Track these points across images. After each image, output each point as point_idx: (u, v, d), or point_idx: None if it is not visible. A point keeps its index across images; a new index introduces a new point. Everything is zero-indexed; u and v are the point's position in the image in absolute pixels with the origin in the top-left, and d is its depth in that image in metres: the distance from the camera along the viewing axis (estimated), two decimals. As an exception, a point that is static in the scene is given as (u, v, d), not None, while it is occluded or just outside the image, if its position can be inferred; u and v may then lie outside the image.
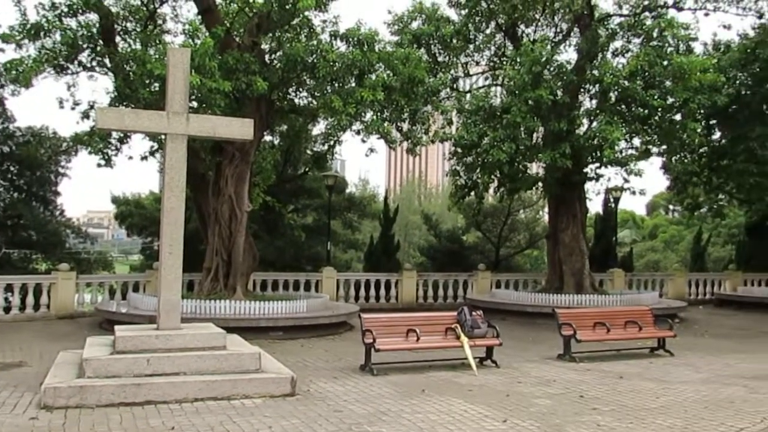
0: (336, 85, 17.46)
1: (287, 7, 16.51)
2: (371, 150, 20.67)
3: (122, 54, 17.55)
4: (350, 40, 17.56)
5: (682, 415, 8.91)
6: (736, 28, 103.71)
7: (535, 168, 24.89)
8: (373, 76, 17.38)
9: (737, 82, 24.13)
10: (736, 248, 35.88)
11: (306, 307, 17.52)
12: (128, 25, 19.49)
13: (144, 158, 20.09)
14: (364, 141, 19.71)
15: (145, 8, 19.41)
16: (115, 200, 34.82)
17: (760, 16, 23.44)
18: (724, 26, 24.26)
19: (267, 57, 18.24)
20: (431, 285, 24.66)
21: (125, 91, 16.91)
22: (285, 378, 9.77)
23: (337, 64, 16.69)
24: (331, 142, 22.67)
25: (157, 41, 18.66)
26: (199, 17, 18.03)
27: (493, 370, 12.20)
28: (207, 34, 16.69)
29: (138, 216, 33.19)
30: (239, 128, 10.92)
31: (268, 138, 22.90)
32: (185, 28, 19.20)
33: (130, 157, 19.86)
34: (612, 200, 30.52)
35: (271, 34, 18.05)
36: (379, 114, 18.60)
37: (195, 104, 16.61)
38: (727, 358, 14.04)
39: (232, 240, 17.85)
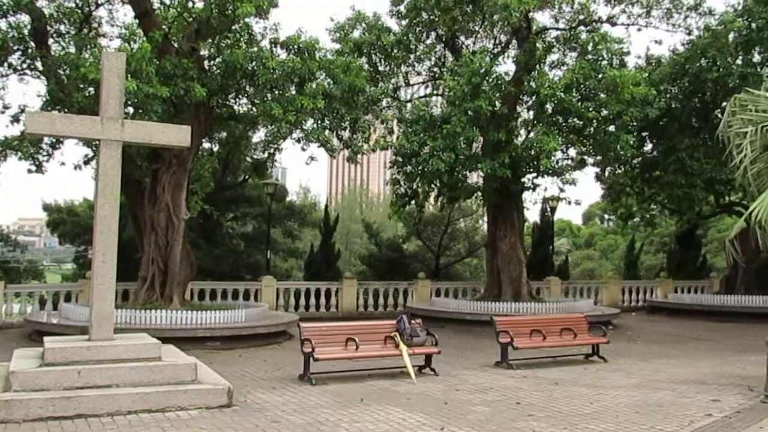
0: (276, 92, 17.35)
1: (227, 13, 16.38)
2: (312, 158, 20.62)
3: (55, 57, 17.09)
4: (290, 47, 17.53)
5: (614, 419, 9.11)
6: (667, 43, 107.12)
7: (475, 177, 25.20)
8: (314, 84, 17.37)
9: (668, 95, 24.94)
10: (667, 256, 37.05)
11: (244, 316, 17.33)
12: (62, 27, 19.01)
13: (77, 167, 19.56)
14: (304, 149, 19.65)
15: (79, 11, 18.95)
16: (47, 207, 33.85)
17: (689, 33, 24.31)
18: (656, 41, 25.30)
19: (206, 63, 18.02)
20: (371, 293, 24.68)
21: (58, 95, 16.49)
22: (221, 389, 9.62)
23: (277, 71, 16.59)
24: (271, 150, 22.52)
25: (92, 45, 18.23)
26: (136, 21, 17.69)
27: (431, 378, 12.26)
28: (144, 38, 16.40)
29: (71, 224, 32.35)
30: (176, 135, 10.74)
31: (206, 145, 22.59)
32: (122, 32, 18.88)
33: (62, 164, 19.39)
34: (549, 210, 31.14)
35: (210, 40, 17.86)
36: (319, 122, 18.57)
37: (131, 110, 16.29)
38: (658, 363, 14.45)
39: (168, 248, 17.53)
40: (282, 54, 17.73)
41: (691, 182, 24.75)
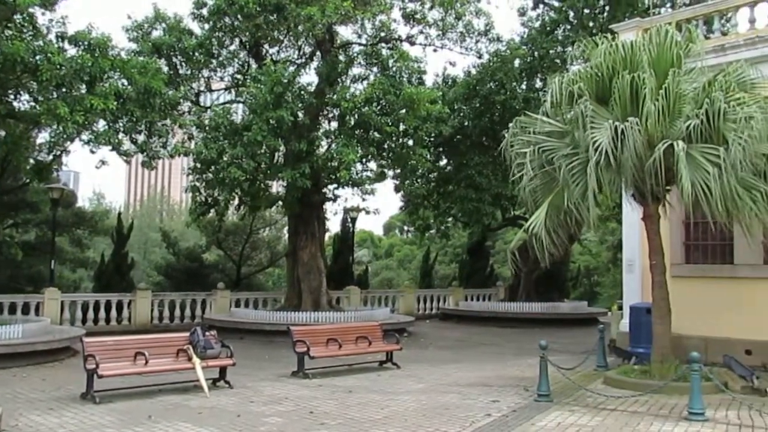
0: (63, 90, 16.16)
1: (7, 1, 15.01)
2: (102, 162, 19.42)
3: None
4: (80, 43, 16.43)
5: (403, 423, 9.41)
6: (462, 65, 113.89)
7: (277, 187, 25.10)
8: (106, 84, 16.39)
9: (461, 114, 26.48)
10: (459, 266, 39.18)
11: (21, 332, 15.88)
12: None
13: None
14: (93, 152, 18.41)
15: None
16: None
17: (480, 56, 25.98)
18: (450, 63, 26.68)
19: (-19, 55, 16.38)
20: (167, 305, 23.70)
21: None
22: (-13, 412, 8.73)
23: (64, 67, 15.48)
24: (57, 152, 20.89)
25: None
26: None
27: (225, 391, 11.97)
28: None
29: None
30: (-62, 130, 9.63)
31: (-19, 144, 20.54)
32: None
33: None
34: (350, 220, 31.74)
35: (-13, 30, 16.27)
36: (111, 124, 17.54)
37: None
38: (447, 368, 15.17)
39: (-70, 258, 15.69)
40: (71, 50, 16.56)
41: (480, 197, 26.41)
